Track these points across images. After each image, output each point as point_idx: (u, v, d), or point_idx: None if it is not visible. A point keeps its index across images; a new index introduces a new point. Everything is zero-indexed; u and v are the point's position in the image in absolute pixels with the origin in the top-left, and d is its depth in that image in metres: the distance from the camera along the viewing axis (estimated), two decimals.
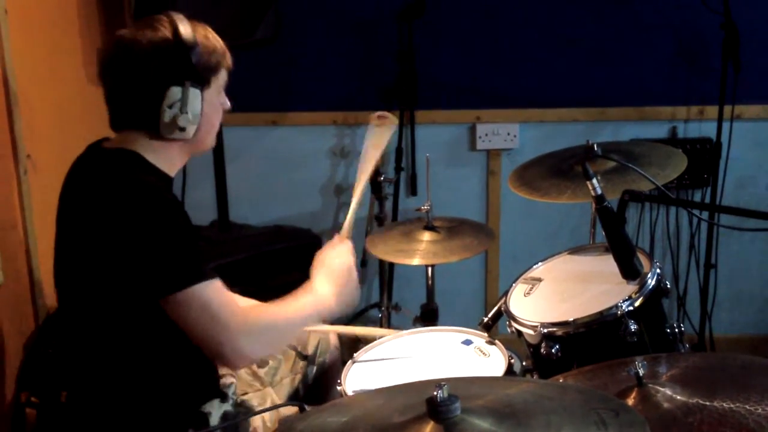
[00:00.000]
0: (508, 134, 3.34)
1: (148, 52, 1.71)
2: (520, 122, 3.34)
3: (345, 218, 2.17)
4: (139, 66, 1.72)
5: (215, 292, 1.69)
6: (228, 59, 1.83)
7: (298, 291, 1.89)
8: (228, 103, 1.87)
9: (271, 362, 2.16)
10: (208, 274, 1.69)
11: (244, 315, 1.74)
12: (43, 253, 2.34)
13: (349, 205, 2.21)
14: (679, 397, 1.41)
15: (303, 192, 3.44)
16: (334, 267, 1.97)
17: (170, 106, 1.71)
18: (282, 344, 1.93)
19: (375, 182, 3.19)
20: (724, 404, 1.36)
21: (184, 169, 2.37)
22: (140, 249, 1.65)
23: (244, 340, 1.70)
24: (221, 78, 1.82)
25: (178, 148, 1.80)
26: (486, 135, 3.35)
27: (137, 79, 1.72)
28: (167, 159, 1.79)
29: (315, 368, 2.26)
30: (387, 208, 3.24)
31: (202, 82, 1.76)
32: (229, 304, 1.71)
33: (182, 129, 1.73)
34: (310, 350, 2.26)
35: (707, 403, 1.37)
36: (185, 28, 1.73)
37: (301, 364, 2.23)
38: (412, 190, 3.40)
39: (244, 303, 2.11)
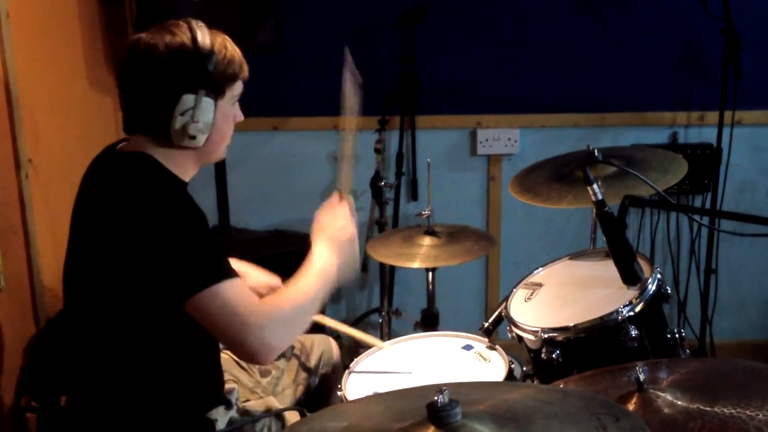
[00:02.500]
0: (509, 139, 3.35)
1: (164, 57, 1.69)
2: (520, 127, 3.35)
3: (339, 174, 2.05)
4: (154, 70, 1.69)
5: (236, 291, 1.68)
6: (245, 70, 1.80)
7: (303, 265, 1.86)
8: (241, 115, 1.85)
9: (273, 372, 2.16)
10: (230, 273, 1.68)
11: (263, 307, 1.71)
12: (44, 258, 2.34)
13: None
14: (679, 403, 1.41)
15: (304, 197, 3.43)
16: (333, 233, 1.92)
17: (182, 114, 1.69)
18: (303, 327, 1.83)
19: (376, 187, 3.19)
20: (725, 410, 1.36)
21: None
22: (159, 253, 1.64)
23: (268, 332, 1.68)
24: (236, 89, 1.80)
25: (188, 156, 1.78)
26: (487, 140, 3.35)
27: (151, 83, 1.70)
28: (179, 165, 1.78)
29: (317, 380, 2.26)
30: (388, 213, 3.25)
31: (217, 92, 1.73)
32: (250, 302, 1.70)
33: (192, 137, 1.71)
34: (312, 361, 2.26)
35: (708, 409, 1.37)
36: (204, 36, 1.70)
37: (304, 375, 2.22)
38: (413, 195, 3.40)
39: (262, 277, 2.15)
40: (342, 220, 1.95)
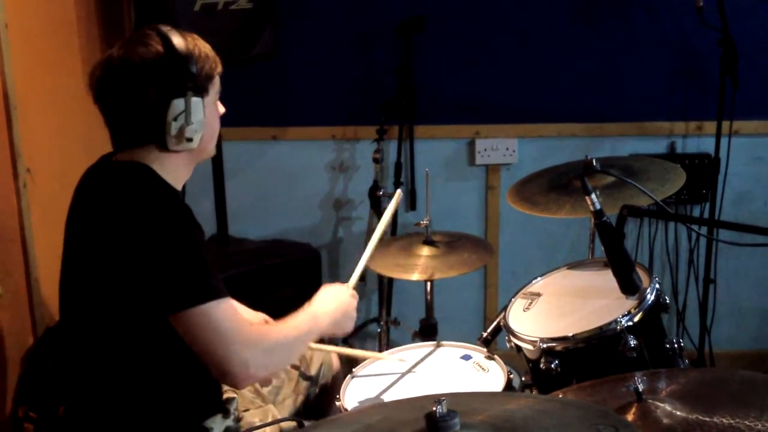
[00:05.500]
0: (507, 149, 3.35)
1: (145, 69, 1.70)
2: (519, 137, 3.35)
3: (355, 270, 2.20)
4: (137, 84, 1.70)
5: (225, 311, 1.68)
6: (219, 65, 1.82)
7: (298, 311, 1.90)
8: (222, 108, 1.88)
9: (274, 382, 2.15)
10: (220, 292, 1.68)
11: (249, 334, 1.72)
12: (42, 267, 2.34)
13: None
14: (678, 413, 1.40)
15: (302, 206, 3.44)
16: (334, 294, 2.01)
17: (175, 119, 1.71)
18: (286, 363, 1.92)
19: (374, 196, 3.19)
20: (724, 420, 1.36)
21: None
22: (152, 264, 1.64)
23: (250, 359, 1.69)
24: (216, 84, 1.82)
25: (183, 159, 1.80)
26: (485, 150, 3.35)
27: (137, 98, 1.70)
28: (174, 172, 1.79)
29: (317, 389, 2.26)
30: None
31: (202, 91, 1.75)
32: (237, 323, 1.70)
33: (189, 140, 1.73)
34: (313, 371, 2.25)
35: (707, 419, 1.37)
36: (179, 40, 1.72)
37: (304, 384, 2.22)
38: (412, 205, 3.40)
39: (249, 314, 2.12)
40: (345, 294, 2.05)
